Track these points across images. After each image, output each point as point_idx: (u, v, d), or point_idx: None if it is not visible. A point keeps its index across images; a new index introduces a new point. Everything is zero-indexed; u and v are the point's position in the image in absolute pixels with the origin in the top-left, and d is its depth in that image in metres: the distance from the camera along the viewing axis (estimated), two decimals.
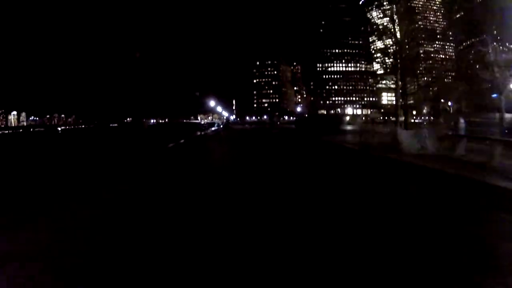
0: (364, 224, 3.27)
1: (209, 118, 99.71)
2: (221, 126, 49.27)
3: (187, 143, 17.74)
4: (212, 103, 72.43)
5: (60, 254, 2.53)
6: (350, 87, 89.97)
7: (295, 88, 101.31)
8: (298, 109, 79.24)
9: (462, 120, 11.62)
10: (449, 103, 26.70)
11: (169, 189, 5.28)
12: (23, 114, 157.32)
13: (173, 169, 7.96)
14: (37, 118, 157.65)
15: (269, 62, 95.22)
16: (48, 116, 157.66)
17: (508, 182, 4.98)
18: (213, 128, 45.11)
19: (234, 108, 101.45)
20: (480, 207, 3.90)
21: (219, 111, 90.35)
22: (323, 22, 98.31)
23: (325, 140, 15.82)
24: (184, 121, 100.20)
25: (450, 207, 3.92)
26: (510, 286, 2.01)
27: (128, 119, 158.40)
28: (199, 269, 2.25)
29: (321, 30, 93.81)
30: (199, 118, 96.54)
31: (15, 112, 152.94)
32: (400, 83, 24.56)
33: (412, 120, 37.67)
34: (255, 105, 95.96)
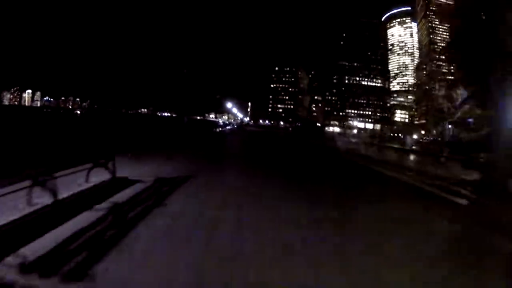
0: (306, 163, 10.81)
1: (224, 117, 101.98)
2: (235, 127, 53.29)
3: (222, 132, 31.32)
4: (228, 104, 74.70)
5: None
6: (364, 101, 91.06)
7: (311, 96, 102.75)
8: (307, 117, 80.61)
9: (408, 138, 17.87)
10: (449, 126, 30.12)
11: (224, 143, 17.61)
12: (38, 93, 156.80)
13: (223, 140, 19.98)
14: (52, 99, 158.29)
15: (288, 68, 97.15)
16: (63, 98, 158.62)
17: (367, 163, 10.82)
18: (229, 127, 49.16)
19: (249, 110, 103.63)
20: (347, 165, 10.84)
21: (234, 112, 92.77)
22: (344, 35, 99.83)
23: (309, 141, 24.66)
24: (198, 118, 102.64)
25: (339, 166, 10.56)
26: None
27: (143, 110, 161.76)
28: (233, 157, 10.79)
29: (342, 43, 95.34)
30: (212, 116, 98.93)
31: (29, 91, 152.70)
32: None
33: (421, 138, 41.34)
34: (270, 110, 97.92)
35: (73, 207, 3.39)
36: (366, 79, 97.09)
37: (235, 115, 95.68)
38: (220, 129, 35.98)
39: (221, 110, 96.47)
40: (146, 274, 2.22)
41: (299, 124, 62.88)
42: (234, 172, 6.96)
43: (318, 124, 66.36)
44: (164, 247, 2.67)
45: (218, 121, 69.31)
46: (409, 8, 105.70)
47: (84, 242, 2.64)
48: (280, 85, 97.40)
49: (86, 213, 3.30)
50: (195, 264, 2.40)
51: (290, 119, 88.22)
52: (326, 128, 72.46)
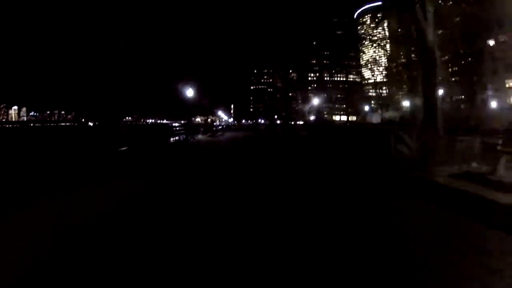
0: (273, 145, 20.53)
1: (209, 120, 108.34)
2: (224, 126, 64.02)
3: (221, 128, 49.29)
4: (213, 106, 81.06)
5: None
6: (339, 96, 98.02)
7: (290, 94, 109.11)
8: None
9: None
10: None
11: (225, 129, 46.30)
12: (24, 109, 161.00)
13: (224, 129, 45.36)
14: (37, 114, 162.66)
15: (266, 70, 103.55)
16: (48, 112, 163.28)
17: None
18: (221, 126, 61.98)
19: (232, 112, 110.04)
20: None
21: (219, 114, 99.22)
22: (317, 34, 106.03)
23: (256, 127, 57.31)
24: (182, 122, 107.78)
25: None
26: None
27: (128, 118, 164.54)
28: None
29: (314, 43, 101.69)
30: (198, 120, 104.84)
31: (16, 107, 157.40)
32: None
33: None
34: (251, 110, 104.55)
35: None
36: (339, 75, 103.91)
37: (219, 117, 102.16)
38: (220, 127, 52.89)
39: (206, 113, 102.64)
40: (227, 135, 30.65)
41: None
42: (234, 131, 41.68)
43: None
44: (227, 134, 33.47)
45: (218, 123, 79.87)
46: (379, 3, 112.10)
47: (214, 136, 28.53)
48: (260, 86, 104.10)
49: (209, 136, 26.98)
50: (234, 135, 31.50)
51: (270, 117, 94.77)
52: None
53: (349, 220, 4.18)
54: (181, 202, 5.15)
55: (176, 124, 37.10)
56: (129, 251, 3.11)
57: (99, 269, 2.72)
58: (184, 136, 21.40)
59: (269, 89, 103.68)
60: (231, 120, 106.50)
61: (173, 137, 20.48)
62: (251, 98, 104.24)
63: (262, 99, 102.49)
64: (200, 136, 25.52)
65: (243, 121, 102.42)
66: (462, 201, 4.75)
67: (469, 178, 5.54)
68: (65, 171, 7.58)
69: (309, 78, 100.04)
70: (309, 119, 56.46)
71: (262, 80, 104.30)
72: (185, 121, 37.93)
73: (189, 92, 24.61)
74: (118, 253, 3.06)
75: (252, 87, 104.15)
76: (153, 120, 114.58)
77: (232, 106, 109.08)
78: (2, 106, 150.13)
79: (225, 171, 8.58)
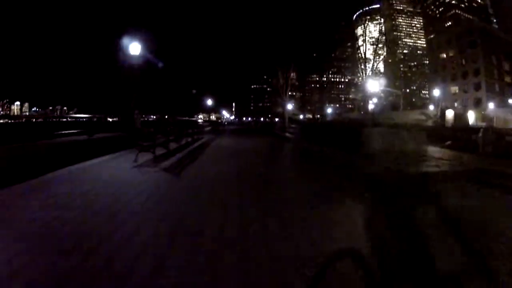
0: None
1: (212, 117, 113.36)
2: (227, 123, 72.77)
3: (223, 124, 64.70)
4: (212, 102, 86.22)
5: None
6: (333, 95, 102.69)
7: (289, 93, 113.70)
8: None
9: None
10: None
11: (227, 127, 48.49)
12: (26, 104, 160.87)
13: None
14: (39, 109, 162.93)
15: (266, 70, 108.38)
16: (50, 108, 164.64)
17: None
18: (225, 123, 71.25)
19: (233, 109, 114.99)
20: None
21: (222, 112, 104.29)
22: (316, 37, 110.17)
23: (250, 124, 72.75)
24: (186, 118, 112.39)
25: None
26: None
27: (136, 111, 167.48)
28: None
29: (314, 55, 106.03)
30: (201, 117, 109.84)
31: (18, 102, 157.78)
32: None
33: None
34: (252, 108, 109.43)
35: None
36: (338, 75, 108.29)
37: (221, 114, 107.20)
38: (225, 123, 69.75)
39: (207, 110, 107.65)
40: (230, 127, 45.37)
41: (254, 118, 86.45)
42: (234, 125, 54.85)
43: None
44: (230, 126, 47.28)
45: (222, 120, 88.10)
46: (378, 6, 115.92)
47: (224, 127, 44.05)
48: (260, 86, 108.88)
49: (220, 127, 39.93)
50: (234, 127, 44.87)
51: (269, 115, 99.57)
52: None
53: (259, 137, 20.64)
54: (221, 134, 23.62)
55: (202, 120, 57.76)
56: (214, 134, 22.24)
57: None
58: (210, 127, 38.14)
59: (268, 89, 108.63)
60: (232, 117, 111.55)
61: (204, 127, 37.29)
62: (252, 96, 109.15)
63: (261, 98, 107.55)
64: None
65: (244, 118, 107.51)
66: (278, 135, 22.31)
67: (283, 131, 25.15)
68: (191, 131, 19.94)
69: (310, 79, 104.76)
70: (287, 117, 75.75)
71: (262, 80, 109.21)
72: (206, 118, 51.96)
73: (208, 102, 51.06)
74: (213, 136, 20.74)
75: (253, 86, 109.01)
76: (154, 116, 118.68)
77: (233, 104, 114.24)
78: (5, 101, 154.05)
79: (229, 133, 25.95)
